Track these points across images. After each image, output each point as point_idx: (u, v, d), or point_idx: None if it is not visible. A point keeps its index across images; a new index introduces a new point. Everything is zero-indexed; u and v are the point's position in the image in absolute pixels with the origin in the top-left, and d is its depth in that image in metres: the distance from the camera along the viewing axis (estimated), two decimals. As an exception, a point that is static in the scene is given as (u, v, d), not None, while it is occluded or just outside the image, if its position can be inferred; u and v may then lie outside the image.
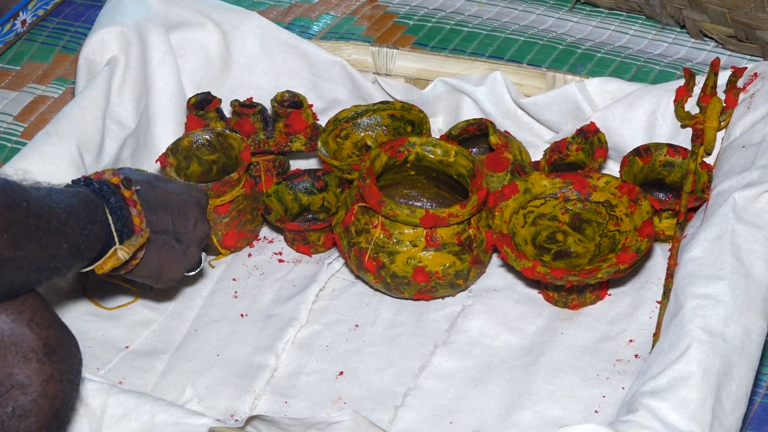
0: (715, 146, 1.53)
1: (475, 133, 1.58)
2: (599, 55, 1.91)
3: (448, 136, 1.58)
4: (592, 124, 1.54)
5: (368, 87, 1.68)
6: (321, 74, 1.67)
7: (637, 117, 1.57)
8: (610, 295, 1.48)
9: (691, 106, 1.56)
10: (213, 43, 1.67)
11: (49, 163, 1.44)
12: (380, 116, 1.61)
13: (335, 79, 1.67)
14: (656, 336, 1.36)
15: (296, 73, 1.68)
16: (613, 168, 1.61)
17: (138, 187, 1.27)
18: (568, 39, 1.95)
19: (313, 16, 2.03)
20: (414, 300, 1.49)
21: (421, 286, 1.44)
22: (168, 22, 1.66)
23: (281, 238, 1.58)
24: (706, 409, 1.17)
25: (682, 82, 1.57)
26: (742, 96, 1.52)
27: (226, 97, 1.66)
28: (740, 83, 1.54)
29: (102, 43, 1.59)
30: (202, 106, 1.60)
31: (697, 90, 1.56)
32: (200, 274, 1.51)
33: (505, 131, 1.61)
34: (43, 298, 1.09)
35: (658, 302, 1.45)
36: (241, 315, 1.48)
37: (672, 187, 1.56)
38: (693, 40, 1.94)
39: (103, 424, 1.20)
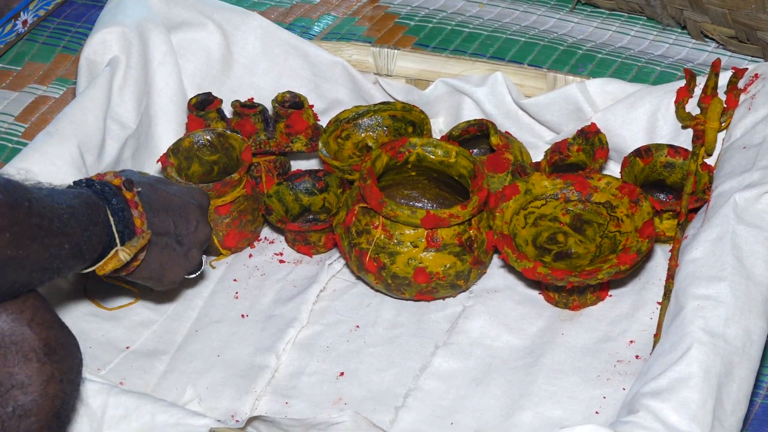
0: (716, 147, 1.53)
1: (476, 134, 1.58)
2: (600, 55, 1.91)
3: (448, 137, 1.58)
4: (593, 124, 1.54)
5: (369, 88, 1.68)
6: (322, 75, 1.68)
7: (637, 118, 1.57)
8: (610, 296, 1.48)
9: (692, 107, 1.56)
10: (214, 43, 1.67)
11: (50, 163, 1.44)
12: (381, 117, 1.61)
13: (336, 79, 1.67)
14: (657, 337, 1.36)
15: (297, 74, 1.68)
16: (613, 169, 1.61)
17: (139, 189, 1.27)
18: (569, 40, 1.95)
19: (314, 16, 2.03)
20: (415, 301, 1.49)
21: (421, 287, 1.44)
22: (169, 22, 1.66)
23: (282, 238, 1.58)
24: (707, 410, 1.17)
25: (682, 83, 1.57)
26: (742, 97, 1.53)
27: (227, 97, 1.66)
28: (741, 84, 1.54)
29: (103, 44, 1.59)
30: (203, 106, 1.60)
31: (697, 91, 1.56)
32: (201, 277, 1.51)
33: (506, 132, 1.61)
34: (43, 299, 1.09)
35: (658, 303, 1.45)
36: (242, 316, 1.48)
37: (673, 188, 1.56)
38: (694, 41, 1.94)
39: (103, 425, 1.20)
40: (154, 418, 1.19)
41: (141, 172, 1.37)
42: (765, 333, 1.27)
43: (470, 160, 1.47)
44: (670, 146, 1.54)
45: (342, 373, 1.41)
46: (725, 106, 1.53)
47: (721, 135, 1.53)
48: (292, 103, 1.61)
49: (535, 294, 1.49)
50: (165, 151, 1.56)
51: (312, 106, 1.61)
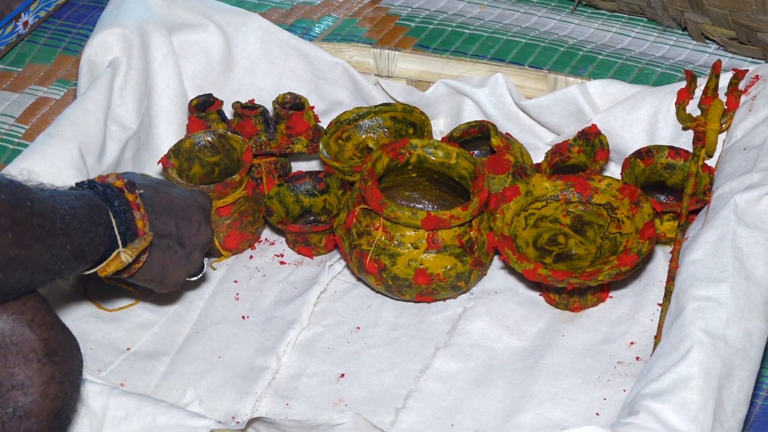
0: (717, 149, 1.53)
1: (477, 135, 1.58)
2: (601, 57, 1.91)
3: (449, 138, 1.58)
4: (594, 126, 1.54)
5: (370, 89, 1.68)
6: (322, 76, 1.68)
7: (638, 119, 1.57)
8: (611, 297, 1.48)
9: (693, 108, 1.56)
10: (215, 44, 1.67)
11: (51, 164, 1.44)
12: (382, 118, 1.61)
13: (337, 80, 1.68)
14: (657, 338, 1.36)
15: (298, 75, 1.68)
16: (614, 170, 1.61)
17: (142, 191, 1.27)
18: (570, 41, 1.95)
19: (315, 18, 2.03)
20: (415, 302, 1.49)
21: (422, 288, 1.44)
22: (170, 23, 1.66)
23: (283, 240, 1.58)
24: (708, 411, 1.17)
25: (683, 84, 1.57)
26: (743, 98, 1.53)
27: (228, 98, 1.66)
28: (742, 85, 1.54)
29: (104, 45, 1.59)
30: (203, 107, 1.60)
31: (698, 92, 1.56)
32: (202, 279, 1.51)
33: (507, 133, 1.61)
34: (44, 300, 1.09)
35: (659, 304, 1.45)
36: (243, 317, 1.48)
37: (673, 190, 1.56)
38: (694, 42, 1.94)
39: (104, 426, 1.20)
40: (155, 420, 1.19)
41: (143, 174, 1.37)
42: (765, 334, 1.27)
43: (471, 162, 1.47)
44: (671, 148, 1.54)
45: (342, 375, 1.41)
46: (726, 107, 1.53)
47: (721, 136, 1.53)
48: (293, 105, 1.61)
49: (535, 295, 1.49)
50: (166, 152, 1.56)
51: (313, 107, 1.61)
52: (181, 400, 1.36)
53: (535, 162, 1.61)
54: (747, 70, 1.55)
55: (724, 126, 1.52)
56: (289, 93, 1.61)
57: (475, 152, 1.63)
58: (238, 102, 1.61)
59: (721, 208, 1.37)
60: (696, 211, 1.49)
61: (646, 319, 1.44)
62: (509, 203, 1.46)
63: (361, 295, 1.51)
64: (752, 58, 1.88)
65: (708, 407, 1.17)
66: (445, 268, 1.43)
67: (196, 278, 1.41)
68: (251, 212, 1.54)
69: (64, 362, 1.07)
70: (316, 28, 2.01)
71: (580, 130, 1.56)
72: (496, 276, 1.51)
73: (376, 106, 1.61)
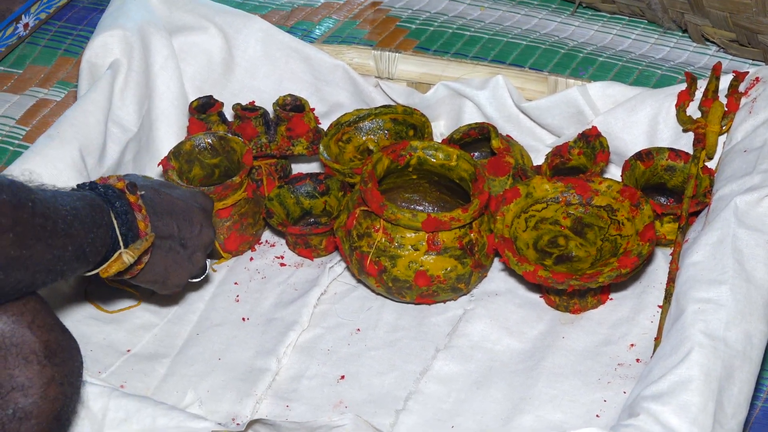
0: (717, 150, 1.53)
1: (477, 137, 1.58)
2: (601, 59, 1.91)
3: (449, 140, 1.58)
4: (594, 128, 1.54)
5: (370, 91, 1.68)
6: (323, 78, 1.68)
7: (638, 121, 1.57)
8: (611, 299, 1.48)
9: (693, 110, 1.56)
10: (215, 46, 1.67)
11: (52, 166, 1.44)
12: (382, 120, 1.61)
13: (337, 82, 1.68)
14: (657, 340, 1.36)
15: (298, 77, 1.68)
16: (614, 172, 1.61)
17: (143, 192, 1.27)
18: (570, 43, 1.95)
19: (316, 19, 2.03)
20: (415, 304, 1.49)
21: (422, 290, 1.44)
22: (170, 25, 1.66)
23: (283, 241, 1.58)
24: (708, 413, 1.17)
25: (683, 86, 1.57)
26: (743, 100, 1.53)
27: (228, 100, 1.66)
28: (742, 87, 1.54)
29: (104, 47, 1.59)
30: (204, 109, 1.60)
31: (698, 94, 1.56)
32: (205, 280, 1.51)
33: (507, 135, 1.61)
34: (44, 301, 1.09)
35: (659, 306, 1.45)
36: (243, 319, 1.48)
37: (673, 192, 1.56)
38: (695, 44, 1.94)
39: (104, 428, 1.20)
40: (155, 422, 1.19)
41: (144, 176, 1.37)
42: (766, 336, 1.27)
43: (471, 164, 1.47)
44: (671, 149, 1.54)
45: (343, 377, 1.41)
46: (726, 109, 1.53)
47: (721, 138, 1.53)
48: (293, 107, 1.61)
49: (535, 297, 1.49)
50: (166, 154, 1.56)
51: (313, 109, 1.62)
52: (181, 402, 1.36)
53: (535, 164, 1.61)
54: (747, 72, 1.55)
55: (724, 128, 1.52)
56: (290, 95, 1.61)
57: (476, 154, 1.63)
58: (238, 104, 1.61)
59: (721, 210, 1.37)
60: (696, 213, 1.49)
61: (647, 321, 1.44)
62: (509, 205, 1.46)
63: (361, 296, 1.51)
64: (752, 60, 1.88)
65: (708, 409, 1.17)
66: (446, 269, 1.43)
67: (198, 279, 1.41)
68: (251, 214, 1.54)
69: (64, 364, 1.07)
70: (317, 30, 2.01)
71: (580, 132, 1.56)
72: (497, 278, 1.51)
73: (376, 108, 1.61)
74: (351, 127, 1.61)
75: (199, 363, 1.42)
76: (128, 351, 1.44)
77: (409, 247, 1.42)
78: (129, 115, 1.57)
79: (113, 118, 1.55)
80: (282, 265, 1.55)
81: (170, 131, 1.62)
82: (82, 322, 1.46)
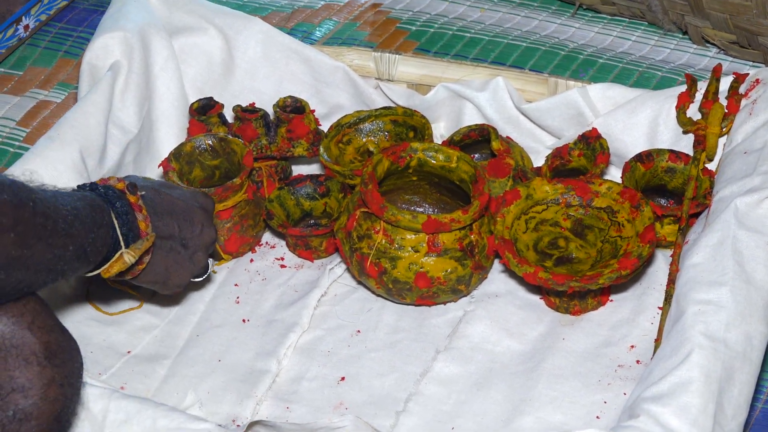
0: (717, 152, 1.53)
1: (477, 139, 1.58)
2: (601, 61, 1.91)
3: (450, 142, 1.58)
4: (594, 129, 1.54)
5: (370, 92, 1.68)
6: (323, 79, 1.68)
7: (639, 123, 1.57)
8: (611, 300, 1.48)
9: (693, 112, 1.56)
10: (215, 48, 1.67)
11: (52, 168, 1.44)
12: (382, 122, 1.61)
13: (337, 84, 1.68)
14: (658, 342, 1.36)
15: (298, 79, 1.68)
16: (614, 174, 1.61)
17: (143, 193, 1.27)
18: (571, 45, 1.95)
19: (316, 21, 2.03)
20: (416, 305, 1.49)
21: (422, 292, 1.44)
22: (171, 27, 1.66)
23: (283, 243, 1.58)
24: (708, 414, 1.17)
25: (684, 88, 1.57)
26: (744, 102, 1.53)
27: (229, 102, 1.66)
28: (742, 89, 1.54)
29: (105, 48, 1.59)
30: (204, 111, 1.60)
31: (699, 96, 1.56)
32: (207, 280, 1.51)
33: (507, 137, 1.61)
34: (44, 302, 1.09)
35: (659, 308, 1.45)
36: (243, 320, 1.48)
37: (674, 193, 1.56)
38: (695, 46, 1.94)
39: (104, 429, 1.20)
40: (155, 423, 1.19)
41: (145, 177, 1.37)
42: (766, 338, 1.27)
43: (471, 165, 1.47)
44: (671, 151, 1.54)
45: (343, 378, 1.41)
46: (726, 111, 1.53)
47: (722, 140, 1.53)
48: (294, 108, 1.61)
49: (536, 299, 1.49)
50: (166, 155, 1.56)
51: (313, 110, 1.62)
52: (181, 404, 1.36)
53: (535, 165, 1.61)
54: (747, 74, 1.55)
55: (724, 130, 1.52)
56: (290, 96, 1.61)
57: (476, 156, 1.63)
58: (238, 105, 1.61)
59: (721, 212, 1.37)
60: (696, 215, 1.49)
61: (647, 322, 1.44)
62: (510, 207, 1.46)
63: (361, 298, 1.51)
64: (753, 61, 1.88)
65: (708, 410, 1.17)
66: (446, 271, 1.43)
67: (200, 279, 1.41)
68: (252, 215, 1.54)
69: (65, 365, 1.07)
70: (317, 32, 2.01)
71: (580, 133, 1.56)
72: (497, 279, 1.51)
73: (376, 110, 1.61)
74: (351, 129, 1.61)
75: (200, 364, 1.42)
76: (128, 352, 1.44)
77: (410, 248, 1.42)
78: (129, 116, 1.57)
79: (114, 120, 1.55)
80: (282, 266, 1.55)
81: (170, 133, 1.62)
82: (83, 323, 1.46)
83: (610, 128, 1.57)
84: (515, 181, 1.53)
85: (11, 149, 1.81)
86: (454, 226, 1.41)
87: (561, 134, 1.61)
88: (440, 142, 1.62)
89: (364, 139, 1.61)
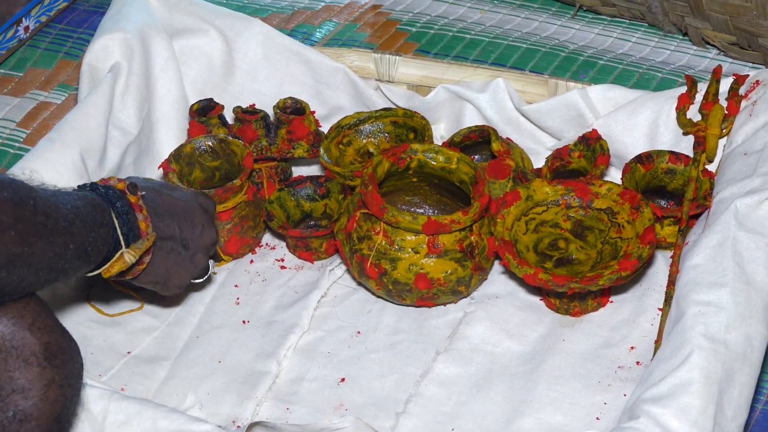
0: (717, 153, 1.53)
1: (477, 140, 1.58)
2: (601, 62, 1.91)
3: (450, 143, 1.58)
4: (594, 131, 1.54)
5: (371, 94, 1.68)
6: (323, 81, 1.68)
7: (639, 124, 1.57)
8: (611, 302, 1.48)
9: (693, 113, 1.56)
10: (216, 49, 1.67)
11: (52, 169, 1.44)
12: (382, 123, 1.61)
13: (338, 85, 1.68)
14: (658, 343, 1.36)
15: (299, 80, 1.68)
16: (615, 175, 1.61)
17: (143, 193, 1.27)
18: (571, 46, 1.95)
19: (316, 23, 2.04)
20: (416, 307, 1.49)
21: (422, 293, 1.44)
22: (171, 28, 1.66)
23: (283, 244, 1.58)
24: (708, 415, 1.17)
25: (684, 89, 1.57)
26: (744, 103, 1.53)
27: (229, 103, 1.66)
28: (742, 91, 1.54)
29: (105, 50, 1.59)
30: (204, 112, 1.60)
31: (699, 97, 1.56)
32: (208, 281, 1.51)
33: (507, 138, 1.61)
34: (44, 303, 1.09)
35: (659, 309, 1.45)
36: (243, 321, 1.48)
37: (674, 195, 1.56)
38: (695, 47, 1.94)
39: (104, 430, 1.20)
40: (156, 424, 1.19)
41: (146, 178, 1.37)
42: (766, 339, 1.27)
43: (471, 167, 1.47)
44: (672, 152, 1.54)
45: (343, 379, 1.41)
46: (726, 112, 1.53)
47: (722, 141, 1.53)
48: (294, 109, 1.61)
49: (536, 300, 1.49)
50: (167, 157, 1.56)
51: (313, 112, 1.62)
52: (181, 405, 1.36)
53: (535, 167, 1.61)
54: (747, 75, 1.55)
55: (724, 131, 1.52)
56: (290, 98, 1.61)
57: (476, 157, 1.63)
58: (239, 107, 1.61)
59: (721, 213, 1.37)
60: (696, 216, 1.49)
61: (647, 323, 1.44)
62: (510, 208, 1.46)
63: (361, 299, 1.51)
64: (753, 63, 1.88)
65: (708, 412, 1.17)
66: (446, 272, 1.43)
67: (200, 280, 1.41)
68: (252, 217, 1.54)
69: (65, 366, 1.07)
70: (317, 33, 2.01)
71: (580, 135, 1.56)
72: (497, 280, 1.51)
73: (376, 111, 1.61)
74: (351, 130, 1.61)
75: (200, 366, 1.42)
76: (129, 353, 1.44)
77: (410, 249, 1.42)
78: (129, 118, 1.57)
79: (114, 121, 1.55)
80: (282, 267, 1.55)
81: (171, 134, 1.62)
82: (83, 324, 1.46)
83: (610, 129, 1.57)
84: (515, 183, 1.53)
85: (11, 150, 1.81)
86: (454, 227, 1.41)
87: (561, 135, 1.61)
88: (440, 144, 1.62)
89: (364, 141, 1.61)
